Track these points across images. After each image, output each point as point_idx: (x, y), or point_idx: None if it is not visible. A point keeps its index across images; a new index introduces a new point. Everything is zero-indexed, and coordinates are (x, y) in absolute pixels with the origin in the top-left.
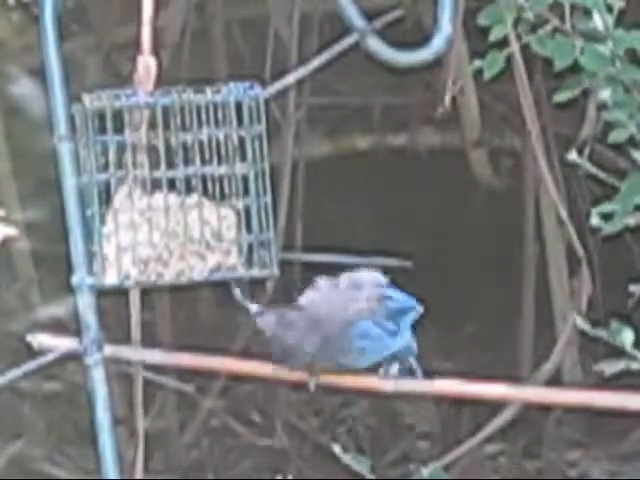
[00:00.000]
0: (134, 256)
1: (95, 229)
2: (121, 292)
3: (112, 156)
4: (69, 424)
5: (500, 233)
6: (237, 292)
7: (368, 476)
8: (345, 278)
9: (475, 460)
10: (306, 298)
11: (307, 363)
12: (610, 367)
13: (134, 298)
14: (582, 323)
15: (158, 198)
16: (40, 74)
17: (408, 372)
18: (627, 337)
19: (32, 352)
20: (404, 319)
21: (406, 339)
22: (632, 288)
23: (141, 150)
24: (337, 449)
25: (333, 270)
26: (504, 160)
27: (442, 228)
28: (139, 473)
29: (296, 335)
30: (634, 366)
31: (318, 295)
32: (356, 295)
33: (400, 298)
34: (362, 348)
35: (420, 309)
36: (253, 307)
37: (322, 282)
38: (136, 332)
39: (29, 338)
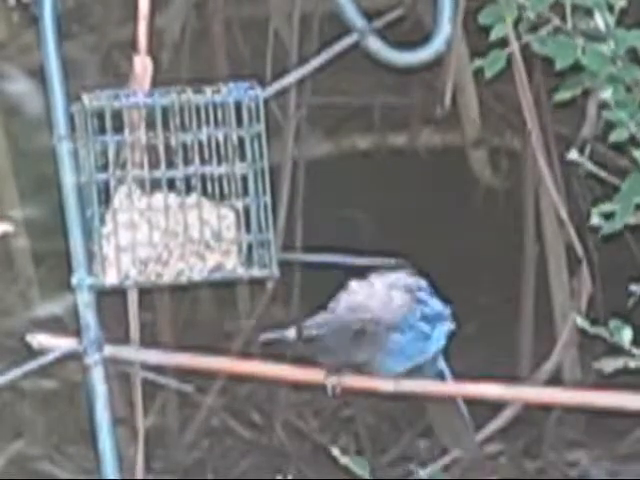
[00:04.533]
0: (134, 256)
1: (95, 229)
2: (120, 292)
3: (111, 156)
4: (69, 424)
5: (500, 233)
6: (267, 336)
7: (367, 477)
8: (378, 279)
9: (475, 460)
10: (342, 302)
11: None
12: (609, 365)
13: (132, 298)
14: (582, 322)
15: (158, 198)
16: (39, 74)
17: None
18: (626, 335)
19: (32, 351)
20: (438, 326)
21: (439, 345)
22: (632, 287)
23: (140, 150)
24: (336, 451)
25: (333, 270)
26: (504, 160)
27: (442, 228)
28: (140, 473)
29: (344, 344)
30: (632, 364)
31: (353, 298)
32: (392, 296)
33: (434, 305)
34: (397, 349)
35: (451, 325)
36: (290, 333)
37: (355, 284)
38: (135, 332)
39: (29, 338)
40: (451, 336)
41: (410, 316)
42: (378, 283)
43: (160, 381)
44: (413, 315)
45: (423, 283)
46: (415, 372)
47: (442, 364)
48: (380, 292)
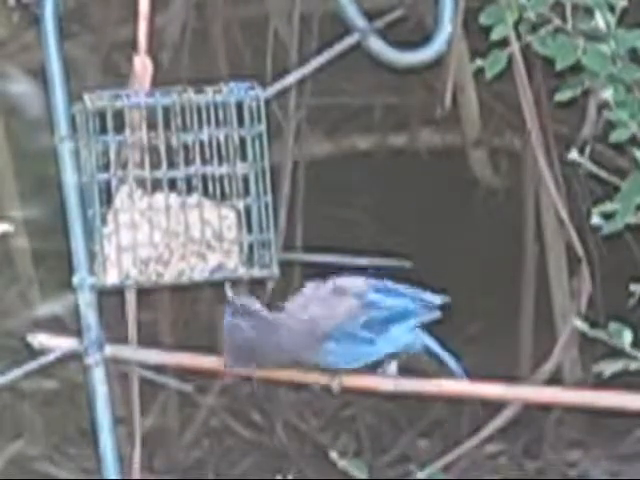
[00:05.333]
0: (135, 256)
1: (96, 229)
2: (119, 292)
3: (113, 156)
4: (69, 424)
5: (500, 233)
6: (229, 290)
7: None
8: (330, 284)
9: (475, 460)
10: (290, 304)
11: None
12: (609, 367)
13: (131, 298)
14: (581, 325)
15: (159, 198)
16: (40, 74)
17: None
18: (626, 337)
19: (32, 351)
20: (394, 326)
21: (397, 344)
22: (632, 288)
23: (142, 150)
24: (334, 454)
25: (332, 270)
26: (504, 160)
27: (442, 228)
28: (136, 472)
29: (258, 339)
30: (633, 366)
31: (300, 301)
32: (337, 302)
33: (390, 305)
34: (333, 357)
35: (417, 317)
36: (233, 303)
37: (306, 288)
38: (132, 332)
39: (29, 338)
40: (437, 322)
41: (349, 324)
42: (325, 288)
43: (160, 381)
44: (354, 322)
45: (381, 284)
46: (391, 358)
47: (427, 341)
48: (323, 299)
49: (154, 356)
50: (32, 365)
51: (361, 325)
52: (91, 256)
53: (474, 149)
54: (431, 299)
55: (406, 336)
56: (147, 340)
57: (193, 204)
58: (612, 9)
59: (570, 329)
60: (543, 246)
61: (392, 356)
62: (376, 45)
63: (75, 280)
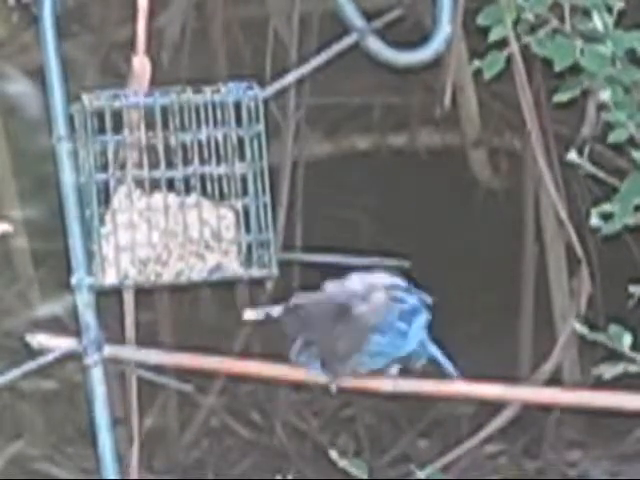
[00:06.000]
0: (133, 256)
1: (94, 229)
2: (117, 292)
3: (111, 156)
4: (69, 424)
5: (500, 233)
6: (252, 312)
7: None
8: (357, 280)
9: (475, 460)
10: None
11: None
12: (608, 370)
13: (129, 298)
14: (581, 327)
15: (157, 198)
16: (39, 74)
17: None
18: (625, 340)
19: (32, 351)
20: (415, 320)
21: (417, 340)
22: (632, 289)
23: (140, 150)
24: (334, 454)
25: (332, 270)
26: (504, 160)
27: (442, 228)
28: (134, 472)
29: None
30: (632, 369)
31: (339, 297)
32: (374, 296)
33: (410, 300)
34: (377, 350)
35: (427, 315)
36: (275, 310)
37: (331, 285)
38: (131, 332)
39: (29, 338)
40: (429, 325)
41: (389, 316)
42: (357, 284)
43: (160, 381)
44: (392, 314)
45: (398, 280)
46: (403, 362)
47: (433, 350)
48: (360, 293)
49: (154, 356)
50: (31, 365)
51: (397, 317)
52: (89, 256)
53: (474, 149)
54: (426, 298)
55: (421, 332)
56: (147, 340)
57: (191, 204)
58: (610, 10)
59: (570, 330)
60: (543, 246)
61: (402, 360)
62: (375, 45)
63: (73, 280)
